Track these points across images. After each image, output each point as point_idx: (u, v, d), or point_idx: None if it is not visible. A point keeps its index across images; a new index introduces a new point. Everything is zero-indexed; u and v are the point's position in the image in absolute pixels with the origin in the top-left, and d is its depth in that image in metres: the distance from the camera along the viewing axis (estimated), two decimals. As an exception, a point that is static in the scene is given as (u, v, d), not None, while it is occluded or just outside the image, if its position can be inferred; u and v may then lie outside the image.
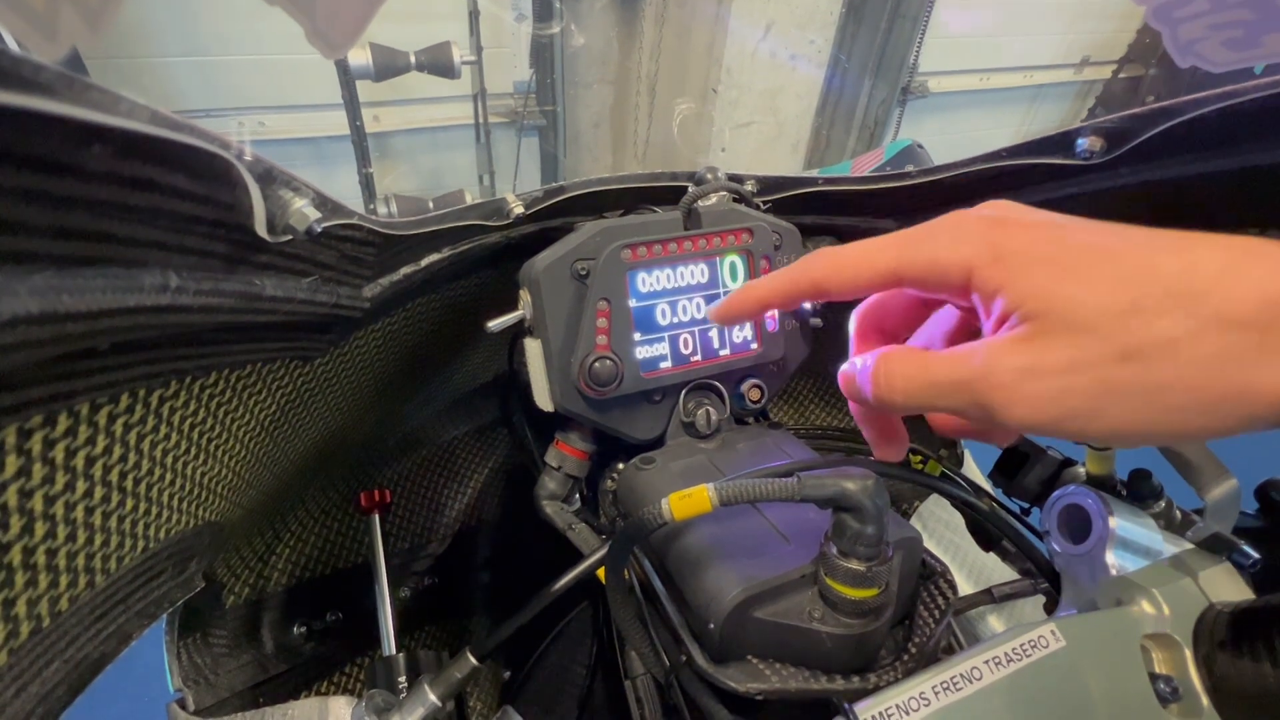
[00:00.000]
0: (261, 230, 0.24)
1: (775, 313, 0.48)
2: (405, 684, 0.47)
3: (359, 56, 1.65)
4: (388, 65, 1.69)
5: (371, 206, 2.02)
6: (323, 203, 0.27)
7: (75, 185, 0.16)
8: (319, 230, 0.26)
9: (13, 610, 0.22)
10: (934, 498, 0.77)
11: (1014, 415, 0.23)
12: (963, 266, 0.24)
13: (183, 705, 0.47)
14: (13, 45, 0.14)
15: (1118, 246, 0.22)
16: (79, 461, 0.24)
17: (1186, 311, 0.20)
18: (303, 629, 0.62)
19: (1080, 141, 0.39)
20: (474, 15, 1.91)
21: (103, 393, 0.24)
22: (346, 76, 1.75)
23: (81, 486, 0.24)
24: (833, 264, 0.28)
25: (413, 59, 1.72)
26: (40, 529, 0.23)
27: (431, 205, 1.93)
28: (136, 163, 0.17)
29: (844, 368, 0.29)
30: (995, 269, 0.23)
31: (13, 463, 0.20)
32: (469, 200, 0.43)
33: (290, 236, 0.26)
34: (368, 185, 2.02)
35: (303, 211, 0.25)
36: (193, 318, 0.23)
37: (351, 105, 1.83)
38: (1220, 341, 0.20)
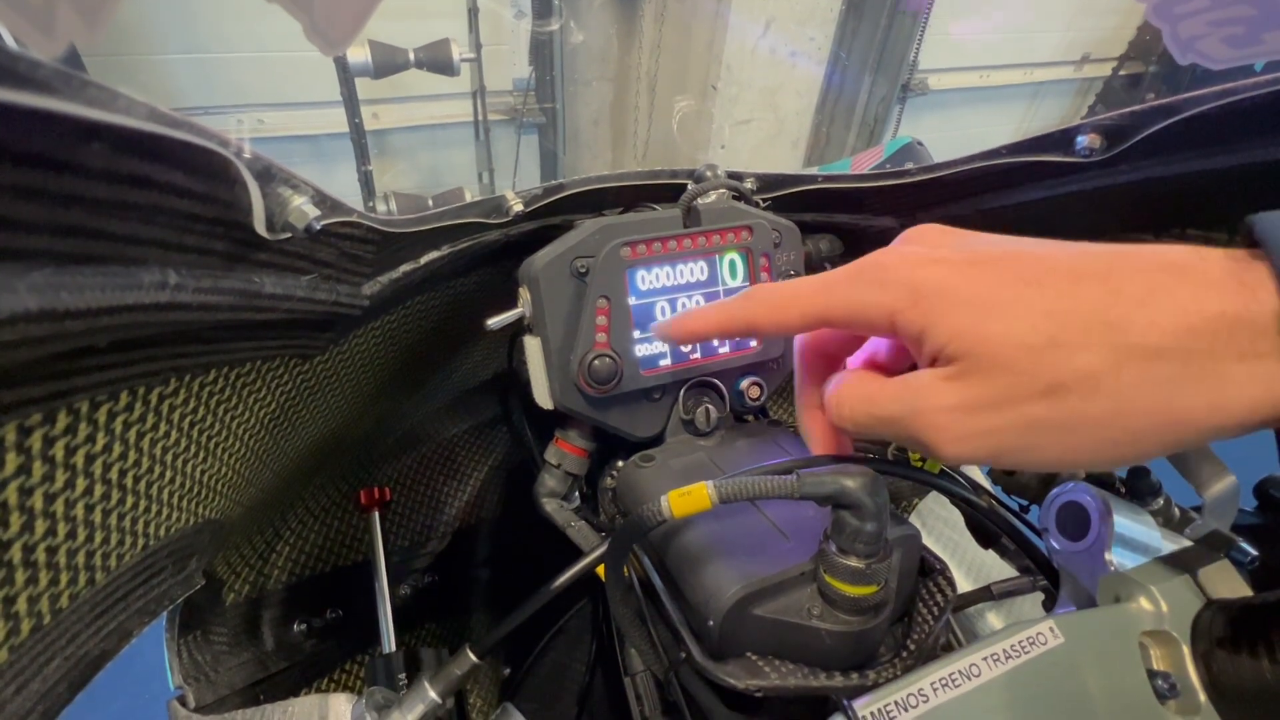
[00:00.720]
0: (261, 228, 0.24)
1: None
2: (405, 681, 0.47)
3: (358, 54, 1.64)
4: (387, 62, 1.69)
5: (371, 204, 2.01)
6: (322, 200, 0.27)
7: (74, 182, 0.16)
8: (318, 228, 0.26)
9: (13, 608, 0.22)
10: (933, 495, 0.77)
11: (948, 453, 0.23)
12: (885, 311, 0.24)
13: (183, 702, 0.48)
14: (10, 42, 0.14)
15: (1040, 276, 0.22)
16: (79, 459, 0.24)
17: (1107, 344, 0.20)
18: (303, 626, 0.62)
19: (1080, 139, 0.39)
20: (473, 12, 1.91)
21: (102, 390, 0.24)
22: (345, 74, 1.75)
23: (81, 484, 0.24)
24: (766, 307, 0.29)
25: (412, 56, 1.72)
26: (40, 526, 0.23)
27: (431, 203, 1.93)
28: (135, 160, 0.17)
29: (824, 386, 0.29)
30: (916, 312, 0.23)
31: (13, 460, 0.20)
32: (468, 198, 0.42)
33: (289, 234, 0.26)
34: (367, 183, 2.01)
35: (302, 209, 0.25)
36: (192, 315, 0.23)
37: (350, 102, 1.83)
38: (1141, 373, 0.20)
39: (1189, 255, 0.21)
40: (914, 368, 0.32)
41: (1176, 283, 0.20)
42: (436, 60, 1.74)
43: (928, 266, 0.24)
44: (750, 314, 0.29)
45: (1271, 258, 0.20)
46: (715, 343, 0.47)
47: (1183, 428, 0.20)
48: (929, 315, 0.23)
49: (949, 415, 0.23)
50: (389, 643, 0.51)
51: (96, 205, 0.17)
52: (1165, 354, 0.20)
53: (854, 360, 0.31)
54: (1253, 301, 0.19)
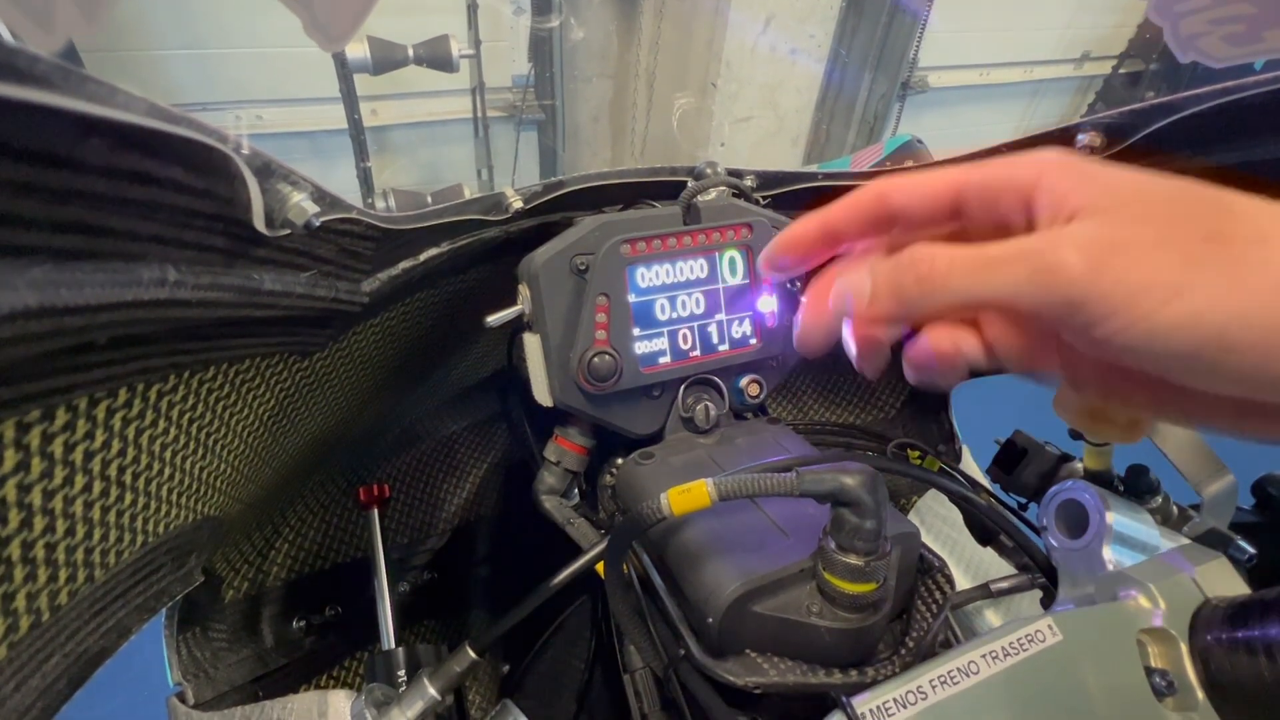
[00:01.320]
0: (260, 224, 0.24)
1: (774, 309, 0.48)
2: (404, 678, 0.47)
3: (357, 50, 1.64)
4: (386, 59, 1.69)
5: (369, 201, 2.01)
6: (321, 197, 0.27)
7: (73, 178, 0.16)
8: (317, 224, 0.26)
9: (12, 604, 0.22)
10: (932, 493, 0.77)
11: (1093, 291, 0.20)
12: (1035, 171, 0.22)
13: (182, 699, 0.48)
14: (8, 36, 0.14)
15: (1187, 195, 0.20)
16: (77, 456, 0.24)
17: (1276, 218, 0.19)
18: (302, 623, 0.62)
19: (1080, 137, 0.39)
20: (472, 8, 1.90)
21: (101, 387, 0.24)
22: (344, 70, 1.74)
23: (80, 481, 0.24)
24: (900, 179, 0.26)
25: (411, 52, 1.71)
26: (39, 523, 0.23)
27: (430, 199, 1.92)
28: (134, 156, 0.17)
29: (847, 280, 0.25)
30: (1066, 173, 0.22)
31: (11, 457, 0.20)
32: (467, 194, 0.42)
33: (289, 231, 0.26)
34: (366, 179, 2.01)
35: (301, 205, 0.25)
36: (191, 312, 0.23)
37: (349, 99, 1.82)
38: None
39: None
40: None
41: None
42: (436, 56, 1.73)
43: (1080, 158, 0.23)
44: (879, 186, 0.26)
45: None
46: (715, 340, 0.47)
47: None
48: (1079, 179, 0.21)
49: (1097, 247, 0.20)
50: (388, 639, 0.51)
51: (96, 201, 0.17)
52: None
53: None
54: None
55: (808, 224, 0.27)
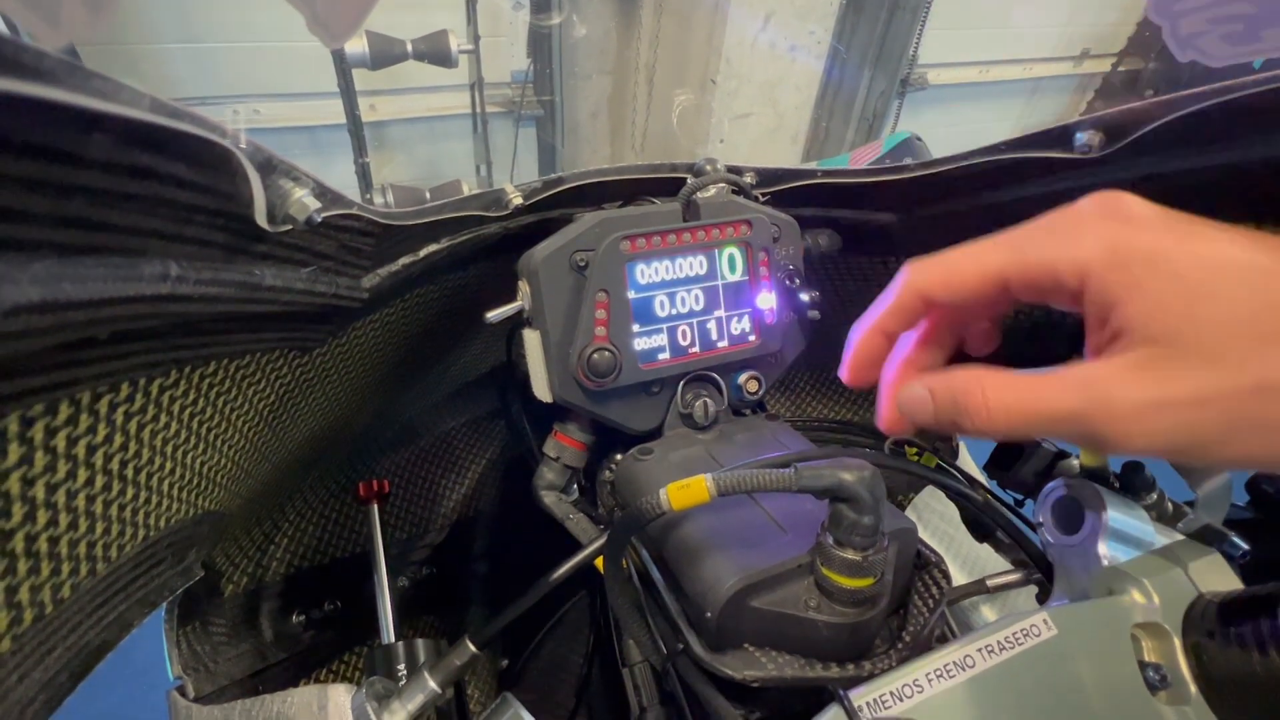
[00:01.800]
0: (261, 220, 0.24)
1: (773, 305, 0.48)
2: (404, 672, 0.47)
3: (355, 45, 1.63)
4: (384, 54, 1.68)
5: (368, 196, 2.00)
6: (322, 193, 0.27)
7: (77, 174, 0.16)
8: (318, 220, 0.26)
9: (16, 597, 0.22)
10: (929, 490, 0.78)
11: (1132, 447, 0.21)
12: (1078, 270, 0.22)
13: (182, 692, 0.48)
14: (10, 31, 0.14)
15: (1257, 262, 0.20)
16: (80, 450, 0.24)
17: None
18: (301, 618, 0.62)
19: (1079, 135, 0.40)
20: (471, 4, 1.89)
21: (103, 381, 0.24)
22: (343, 65, 1.74)
23: (83, 475, 0.24)
24: (940, 272, 0.25)
25: (409, 48, 1.71)
26: (42, 517, 0.23)
27: (428, 195, 1.92)
28: (137, 151, 0.17)
29: (912, 392, 0.26)
30: (1115, 275, 0.21)
31: (15, 450, 0.20)
32: (465, 190, 0.42)
33: (290, 226, 0.26)
34: (364, 175, 2.00)
35: (302, 201, 0.25)
36: (192, 307, 0.23)
37: (348, 94, 1.81)
38: None
39: None
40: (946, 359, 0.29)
41: None
42: (434, 52, 1.73)
43: (1134, 225, 0.21)
44: (921, 289, 0.26)
45: None
46: (714, 336, 0.47)
47: None
48: (1129, 285, 0.21)
49: (1142, 409, 0.20)
50: (388, 634, 0.51)
51: (99, 196, 0.17)
52: None
53: (897, 355, 0.29)
54: None
55: (869, 341, 0.28)
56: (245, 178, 0.22)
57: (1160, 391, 0.20)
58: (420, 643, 0.48)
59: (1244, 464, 0.21)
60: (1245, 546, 0.39)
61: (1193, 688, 0.29)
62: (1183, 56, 0.31)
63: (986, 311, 0.29)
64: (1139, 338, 0.21)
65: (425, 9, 1.93)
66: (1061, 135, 0.40)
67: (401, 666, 0.47)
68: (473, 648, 0.40)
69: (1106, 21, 3.25)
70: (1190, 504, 0.43)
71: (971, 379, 0.24)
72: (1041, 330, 0.51)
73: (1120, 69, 3.41)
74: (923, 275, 0.26)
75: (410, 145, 2.31)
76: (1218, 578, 0.33)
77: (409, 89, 2.14)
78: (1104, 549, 0.36)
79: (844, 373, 0.29)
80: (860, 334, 0.28)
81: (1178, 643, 0.30)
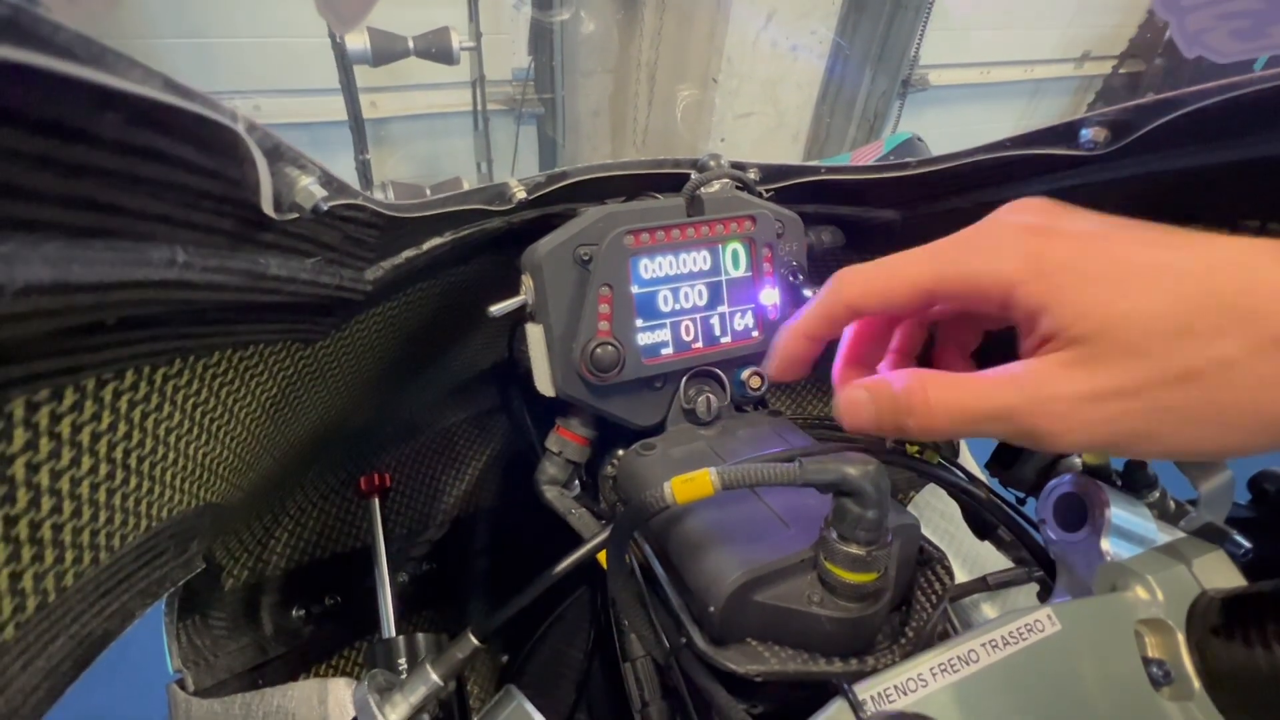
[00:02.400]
0: (268, 207, 0.24)
1: (776, 301, 0.48)
2: (404, 666, 0.47)
3: (356, 41, 1.63)
4: (386, 50, 1.68)
5: (368, 193, 2.00)
6: (329, 181, 0.27)
7: (88, 153, 0.16)
8: (325, 209, 0.26)
9: (19, 584, 0.22)
10: (930, 487, 0.78)
11: (1065, 442, 0.22)
12: (1002, 283, 0.23)
13: (182, 686, 0.48)
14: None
15: (1172, 261, 0.21)
16: (84, 437, 0.24)
17: (1244, 333, 0.19)
18: (301, 612, 0.62)
19: (1084, 132, 0.39)
20: (473, 1, 1.89)
21: (108, 368, 0.24)
22: (344, 61, 1.73)
23: (87, 462, 0.24)
24: (866, 284, 0.27)
25: (411, 44, 1.71)
26: (46, 504, 0.23)
27: (429, 192, 1.92)
28: (149, 132, 0.17)
29: (852, 394, 0.27)
30: (1038, 285, 0.22)
31: (20, 435, 0.20)
32: (466, 188, 0.42)
33: (296, 215, 0.26)
34: (365, 172, 2.00)
35: (309, 189, 0.25)
36: (198, 294, 0.23)
37: (349, 90, 1.81)
38: (1277, 367, 0.19)
39: None
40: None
41: None
42: (436, 48, 1.73)
43: (1052, 236, 0.23)
44: (848, 299, 0.27)
45: None
46: (717, 332, 0.47)
47: None
48: (1052, 289, 0.22)
49: (1072, 404, 0.21)
50: (388, 628, 0.51)
51: (109, 177, 0.17)
52: None
53: (887, 361, 0.30)
54: None
55: (794, 344, 0.30)
56: (253, 164, 0.22)
57: (1089, 386, 0.21)
58: (421, 637, 0.48)
59: (1174, 455, 0.22)
60: (1248, 544, 0.39)
61: (1196, 684, 0.29)
62: (1190, 52, 0.31)
63: (916, 317, 0.31)
64: (1066, 339, 0.22)
65: (427, 6, 1.93)
66: (1067, 132, 0.40)
67: (402, 661, 0.47)
68: (475, 641, 0.40)
69: (1108, 24, 3.25)
70: (1192, 502, 0.43)
71: (913, 379, 0.25)
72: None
73: (1121, 71, 3.42)
74: (851, 287, 0.27)
75: (411, 142, 2.30)
76: (1221, 575, 0.33)
77: (410, 86, 2.14)
78: (1107, 546, 0.36)
79: (769, 370, 0.31)
80: (785, 339, 0.30)
81: (1181, 639, 0.30)
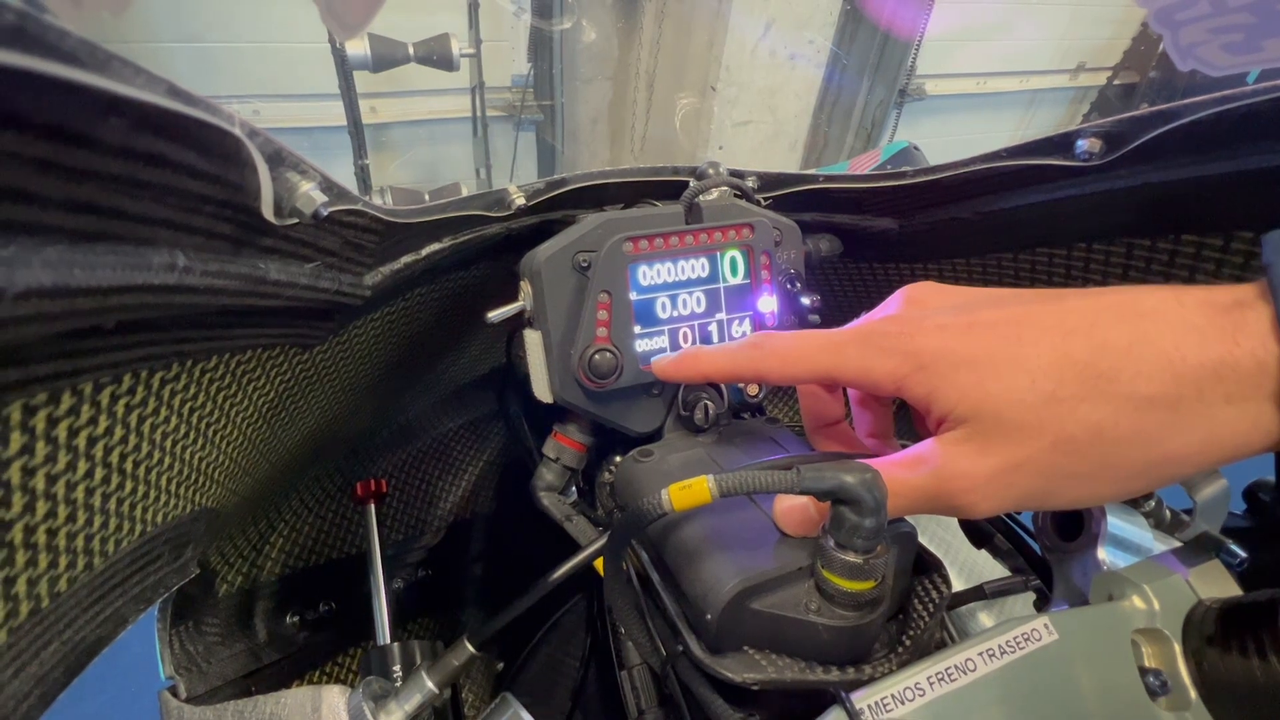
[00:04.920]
0: (268, 212, 0.24)
1: (774, 309, 0.48)
2: (399, 674, 0.46)
3: (357, 46, 1.63)
4: (386, 56, 1.68)
5: (367, 198, 2.00)
6: (329, 187, 0.27)
7: (90, 158, 0.16)
8: (325, 214, 0.26)
9: (13, 589, 0.22)
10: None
11: (981, 510, 0.25)
12: (892, 377, 0.26)
13: (174, 693, 0.47)
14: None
15: (1033, 335, 0.23)
16: (81, 441, 0.24)
17: (1102, 395, 0.22)
18: (296, 618, 0.62)
19: (1080, 143, 0.40)
20: (474, 8, 1.90)
21: (106, 372, 0.23)
22: (344, 67, 1.74)
23: (83, 466, 0.24)
24: (777, 359, 0.30)
25: (411, 50, 1.72)
26: (41, 508, 0.23)
27: (428, 198, 1.92)
28: (151, 136, 0.17)
29: (788, 505, 0.32)
30: (921, 376, 0.25)
31: (17, 439, 0.20)
32: (465, 194, 0.43)
33: (296, 220, 0.26)
34: (364, 177, 2.00)
35: (309, 194, 0.25)
36: (197, 299, 0.23)
37: (349, 96, 1.81)
38: (1137, 420, 0.21)
39: (1168, 300, 0.22)
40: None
41: (1158, 331, 0.21)
42: (436, 55, 1.74)
43: (929, 334, 0.26)
44: (758, 364, 0.31)
45: (1274, 295, 0.20)
46: (715, 339, 0.47)
47: (1180, 465, 0.22)
48: (933, 380, 0.25)
49: (975, 481, 0.24)
50: (384, 635, 0.51)
51: (112, 182, 0.17)
52: (1157, 402, 0.21)
53: (860, 426, 0.35)
54: (1234, 347, 0.20)
55: (693, 372, 0.34)
56: (254, 169, 0.22)
57: (985, 462, 0.24)
58: (416, 644, 0.48)
59: (1074, 506, 0.26)
60: (1243, 554, 0.39)
61: (1193, 693, 0.29)
62: (1184, 66, 0.32)
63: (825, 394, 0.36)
64: (954, 420, 0.25)
65: (427, 12, 1.94)
66: (1063, 143, 0.41)
67: (397, 668, 0.46)
68: (471, 648, 0.39)
69: (1102, 35, 3.29)
70: (1188, 512, 0.44)
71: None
72: None
73: (1116, 82, 3.45)
74: (766, 360, 0.31)
75: (410, 148, 2.31)
76: (1217, 584, 0.33)
77: (410, 92, 2.15)
78: (1103, 555, 0.36)
79: (661, 365, 0.36)
80: (693, 364, 0.34)
81: (1178, 649, 0.30)
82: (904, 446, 0.37)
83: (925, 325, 0.26)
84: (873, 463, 0.27)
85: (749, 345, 0.31)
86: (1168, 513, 0.44)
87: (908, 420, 0.45)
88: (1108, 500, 0.25)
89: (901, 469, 0.26)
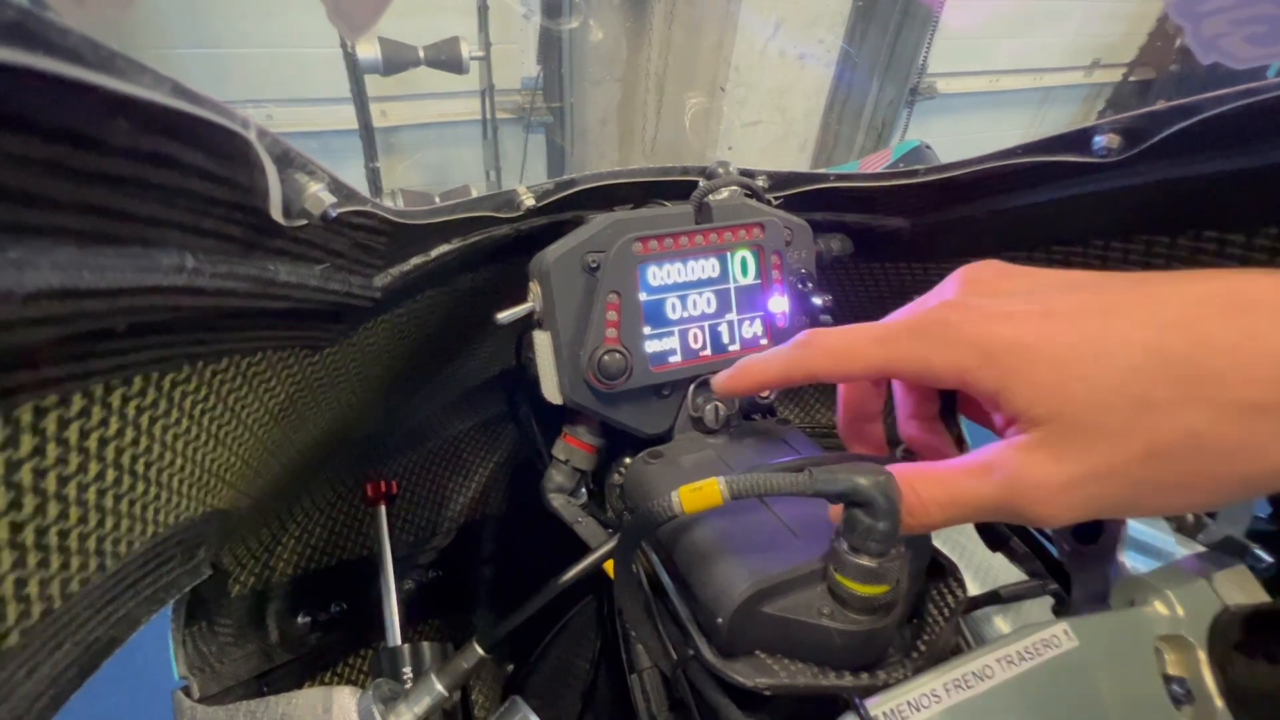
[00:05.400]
0: (277, 214, 0.24)
1: (785, 309, 0.48)
2: (409, 675, 0.46)
3: (368, 50, 1.65)
4: (396, 59, 1.69)
5: (376, 200, 2.02)
6: (338, 188, 0.27)
7: (99, 160, 0.16)
8: (333, 215, 0.26)
9: (25, 590, 0.22)
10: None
11: (1056, 522, 0.22)
12: (954, 370, 0.23)
13: (187, 693, 0.47)
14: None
15: (1116, 328, 0.20)
16: (92, 443, 0.24)
17: (1204, 400, 0.19)
18: (307, 619, 0.62)
19: (1097, 139, 0.39)
20: (483, 10, 1.91)
21: (117, 374, 0.24)
22: (355, 70, 1.75)
23: (94, 468, 0.24)
24: (829, 357, 0.28)
25: (422, 54, 1.72)
26: (53, 510, 0.23)
27: (438, 200, 1.93)
28: (160, 137, 0.17)
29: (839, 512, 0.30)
30: (989, 370, 0.22)
31: (28, 441, 0.20)
32: (474, 196, 0.43)
33: (305, 221, 0.26)
34: (374, 179, 2.02)
35: (318, 196, 0.25)
36: (207, 301, 0.23)
37: (360, 99, 1.83)
38: (1242, 431, 0.19)
39: (1274, 291, 0.19)
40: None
41: (1270, 326, 0.19)
42: (446, 58, 1.74)
43: (996, 322, 0.23)
44: (809, 364, 0.29)
45: None
46: (725, 340, 0.47)
47: None
48: (1003, 375, 0.22)
49: (1050, 491, 0.21)
50: (394, 637, 0.51)
51: (121, 184, 0.17)
52: (1266, 409, 0.18)
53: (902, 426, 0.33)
54: None
55: (749, 384, 0.33)
56: (263, 170, 0.22)
57: (1061, 471, 0.21)
58: (426, 646, 0.48)
59: (1157, 515, 0.23)
60: (1269, 559, 0.38)
61: (1218, 702, 0.29)
62: (1205, 58, 0.31)
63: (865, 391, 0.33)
64: (1027, 420, 0.22)
65: (437, 15, 1.95)
66: (1080, 139, 0.40)
67: (407, 669, 0.46)
68: (480, 651, 0.39)
69: (1117, 31, 3.24)
70: (1211, 515, 0.43)
71: (901, 480, 0.26)
72: None
73: (1131, 79, 3.40)
74: (818, 360, 0.29)
75: (421, 150, 2.32)
76: (1242, 590, 0.32)
77: (420, 95, 2.16)
78: (1123, 559, 0.35)
79: (719, 385, 0.35)
80: (747, 377, 0.33)
81: (1202, 656, 0.30)
82: (949, 431, 0.33)
83: (991, 312, 0.23)
84: (938, 471, 0.25)
85: (798, 346, 0.29)
86: (1190, 515, 0.43)
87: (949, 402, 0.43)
88: (1196, 510, 0.22)
89: (968, 477, 0.24)
